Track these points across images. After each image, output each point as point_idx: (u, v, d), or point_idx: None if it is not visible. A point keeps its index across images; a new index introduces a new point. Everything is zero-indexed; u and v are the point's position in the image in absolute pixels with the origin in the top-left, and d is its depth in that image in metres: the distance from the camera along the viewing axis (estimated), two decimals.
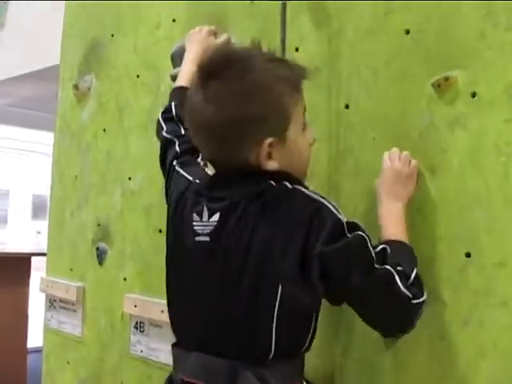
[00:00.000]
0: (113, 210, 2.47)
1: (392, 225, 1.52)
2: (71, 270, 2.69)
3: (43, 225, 6.39)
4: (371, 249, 1.31)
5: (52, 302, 2.77)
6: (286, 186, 1.34)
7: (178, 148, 1.64)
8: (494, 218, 1.48)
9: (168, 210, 1.53)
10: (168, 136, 1.69)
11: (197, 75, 1.38)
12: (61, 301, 2.71)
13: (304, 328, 1.36)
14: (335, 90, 1.81)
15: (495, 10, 1.53)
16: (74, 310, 2.64)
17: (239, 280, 1.29)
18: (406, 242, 1.48)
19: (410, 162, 1.59)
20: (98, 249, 2.52)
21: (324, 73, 1.82)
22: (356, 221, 1.34)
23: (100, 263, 2.52)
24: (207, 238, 1.34)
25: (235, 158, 1.35)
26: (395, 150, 1.61)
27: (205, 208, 1.37)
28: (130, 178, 2.40)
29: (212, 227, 1.34)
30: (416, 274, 1.36)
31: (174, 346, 1.45)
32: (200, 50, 1.80)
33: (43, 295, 2.84)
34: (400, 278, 1.30)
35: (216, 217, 1.34)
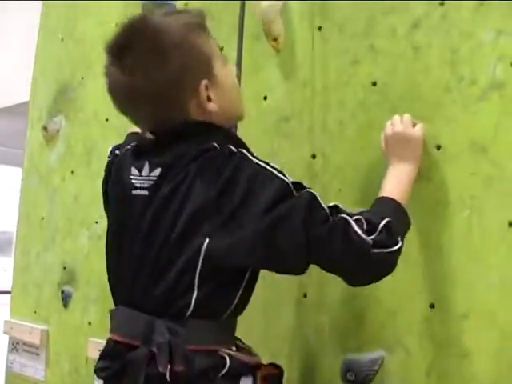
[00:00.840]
0: (79, 254, 2.45)
1: (388, 183, 1.49)
2: (35, 312, 2.66)
3: (9, 261, 6.30)
4: (321, 203, 1.29)
5: (15, 345, 2.73)
6: (230, 149, 1.32)
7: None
8: (458, 271, 1.50)
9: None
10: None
11: (108, 52, 1.39)
12: (24, 344, 2.67)
13: (230, 288, 1.33)
14: (302, 139, 1.83)
15: (460, 64, 1.57)
16: (38, 354, 2.60)
17: (168, 233, 1.29)
18: (397, 199, 1.42)
19: (413, 124, 1.57)
20: (63, 292, 2.50)
21: (291, 122, 1.85)
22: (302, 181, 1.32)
23: (65, 306, 2.50)
24: (146, 192, 1.34)
25: (176, 115, 1.36)
26: (397, 116, 1.58)
27: (146, 163, 1.36)
28: (96, 222, 2.39)
29: (152, 182, 1.34)
30: (386, 223, 1.29)
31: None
32: None
33: (6, 337, 2.79)
34: (359, 225, 1.26)
35: (157, 172, 1.34)
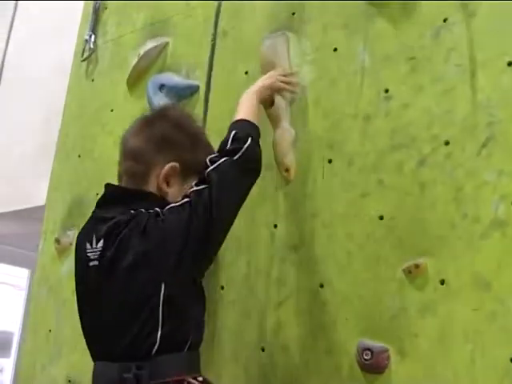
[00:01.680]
0: (85, 367, 2.45)
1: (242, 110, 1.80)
2: None
3: (6, 363, 6.21)
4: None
5: None
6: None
7: None
8: None
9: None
10: None
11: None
12: None
13: (185, 321, 1.50)
14: (310, 269, 1.88)
15: (464, 201, 1.64)
16: None
17: (123, 291, 1.49)
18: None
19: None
20: None
21: (300, 251, 1.90)
22: None
23: None
24: (96, 263, 1.53)
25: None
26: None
27: (93, 235, 1.56)
28: None
29: (98, 252, 1.53)
30: (233, 136, 1.66)
31: None
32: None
33: None
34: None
35: (101, 243, 1.54)
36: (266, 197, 2.02)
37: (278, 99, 1.99)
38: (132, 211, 1.56)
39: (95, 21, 2.86)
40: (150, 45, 2.51)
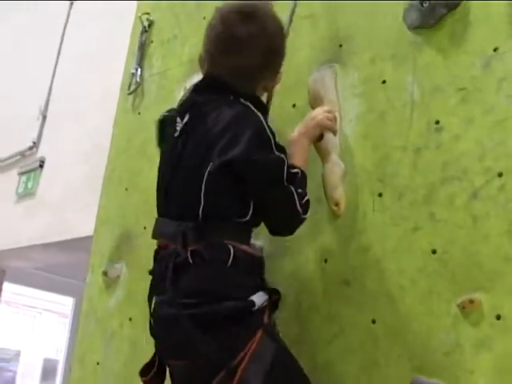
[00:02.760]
0: None
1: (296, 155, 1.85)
2: None
3: None
4: (286, 169, 1.70)
5: None
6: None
7: None
8: None
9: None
10: None
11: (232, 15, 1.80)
12: None
13: (230, 199, 1.71)
14: (362, 304, 1.86)
15: None
16: None
17: (187, 162, 1.73)
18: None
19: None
20: None
21: (352, 286, 1.88)
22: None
23: None
24: (178, 133, 1.79)
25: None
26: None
27: (183, 111, 1.82)
28: None
29: (181, 125, 1.79)
30: (308, 197, 1.76)
31: None
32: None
33: None
34: (298, 198, 1.71)
35: (186, 118, 1.79)
36: (316, 231, 2.00)
37: (326, 132, 1.98)
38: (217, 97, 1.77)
39: (141, 54, 2.90)
40: (196, 78, 2.52)
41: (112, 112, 3.18)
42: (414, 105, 1.91)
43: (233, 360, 1.57)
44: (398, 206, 1.86)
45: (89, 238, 3.06)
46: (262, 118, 1.71)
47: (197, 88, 1.84)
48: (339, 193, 1.95)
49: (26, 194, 3.98)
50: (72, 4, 4.38)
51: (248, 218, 1.72)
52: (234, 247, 1.68)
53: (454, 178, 1.77)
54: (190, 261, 1.66)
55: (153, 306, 1.74)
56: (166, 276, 1.66)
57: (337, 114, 2.01)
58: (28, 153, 4.14)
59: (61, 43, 4.33)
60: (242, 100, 1.75)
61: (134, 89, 2.88)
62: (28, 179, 4.03)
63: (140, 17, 2.97)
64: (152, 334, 1.77)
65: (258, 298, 1.67)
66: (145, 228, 2.59)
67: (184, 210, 1.72)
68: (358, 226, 1.93)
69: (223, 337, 1.60)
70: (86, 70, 3.91)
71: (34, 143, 4.11)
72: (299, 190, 1.72)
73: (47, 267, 5.51)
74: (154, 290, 1.76)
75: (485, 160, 1.73)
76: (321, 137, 1.97)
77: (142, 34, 2.95)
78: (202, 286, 1.65)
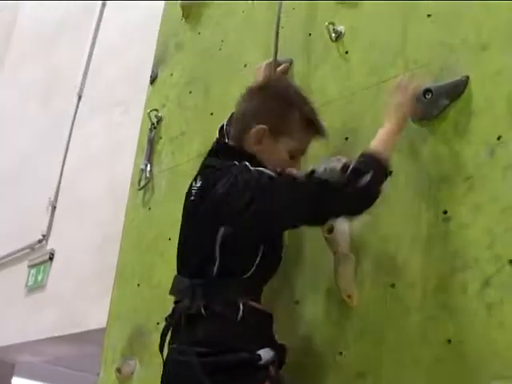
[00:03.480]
0: None
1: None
2: None
3: None
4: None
5: None
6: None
7: None
8: None
9: None
10: None
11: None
12: None
13: (247, 255, 1.85)
14: None
15: None
16: None
17: (200, 222, 1.89)
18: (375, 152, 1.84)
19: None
20: None
21: (367, 380, 1.87)
22: None
23: None
24: (193, 198, 1.94)
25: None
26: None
27: (198, 175, 1.98)
28: None
29: (196, 189, 1.93)
30: (353, 167, 1.79)
31: None
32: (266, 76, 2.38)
33: None
34: (327, 188, 1.80)
35: (199, 182, 1.94)
36: (329, 323, 2.00)
37: (337, 224, 2.00)
38: (229, 163, 1.89)
39: (150, 150, 2.95)
40: None
41: (121, 204, 3.21)
42: (422, 195, 1.93)
43: None
44: (411, 296, 1.86)
45: (100, 330, 3.05)
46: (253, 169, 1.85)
47: (210, 153, 2.08)
48: (351, 284, 1.96)
49: (35, 287, 3.98)
50: (80, 98, 4.48)
51: (252, 271, 1.85)
52: (243, 304, 1.80)
53: (465, 266, 1.77)
54: (204, 314, 1.78)
55: (167, 352, 1.89)
56: (180, 326, 1.82)
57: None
58: (37, 245, 4.16)
59: (69, 136, 4.41)
60: (244, 162, 1.88)
61: (144, 184, 2.92)
62: (37, 272, 4.04)
63: (149, 113, 3.03)
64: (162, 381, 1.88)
65: (265, 353, 1.77)
66: (158, 324, 2.58)
67: (196, 268, 1.87)
68: (371, 317, 1.92)
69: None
70: (94, 162, 3.97)
71: (44, 236, 4.14)
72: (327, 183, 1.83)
73: (57, 360, 5.45)
74: (166, 338, 1.93)
75: (494, 248, 1.73)
76: (331, 229, 1.99)
77: (150, 130, 3.01)
78: (213, 337, 1.77)
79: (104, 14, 4.74)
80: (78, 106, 4.51)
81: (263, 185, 1.78)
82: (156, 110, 3.07)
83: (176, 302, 1.91)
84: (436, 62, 2.05)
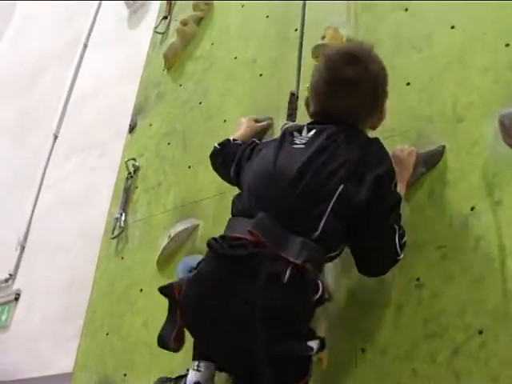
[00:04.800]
0: None
1: None
2: None
3: None
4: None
5: None
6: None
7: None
8: None
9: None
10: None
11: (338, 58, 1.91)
12: None
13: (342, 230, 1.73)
14: None
15: None
16: None
17: (315, 175, 1.73)
18: None
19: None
20: None
21: None
22: None
23: None
24: (303, 146, 1.82)
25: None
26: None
27: (305, 128, 1.89)
28: None
29: (308, 138, 1.84)
30: (405, 239, 1.80)
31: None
32: (247, 129, 2.39)
33: None
34: (399, 237, 1.76)
35: (312, 132, 1.86)
36: None
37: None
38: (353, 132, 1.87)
39: (126, 199, 2.95)
40: (180, 227, 2.57)
41: (91, 248, 3.20)
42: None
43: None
44: (381, 361, 1.86)
45: (65, 375, 3.00)
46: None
47: (316, 121, 1.94)
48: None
49: None
50: (56, 138, 4.49)
51: (338, 252, 1.80)
52: (321, 284, 1.69)
53: (435, 334, 1.79)
54: (285, 279, 1.60)
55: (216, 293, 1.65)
56: (256, 278, 1.59)
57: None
58: (3, 285, 4.10)
59: (43, 176, 4.39)
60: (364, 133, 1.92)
61: (118, 234, 2.91)
62: (2, 312, 3.98)
63: (126, 162, 3.04)
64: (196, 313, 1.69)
65: (315, 345, 1.67)
66: (125, 375, 2.55)
67: (297, 221, 1.71)
68: (340, 381, 1.92)
69: (280, 367, 1.59)
70: (66, 204, 3.96)
71: (11, 275, 4.09)
72: (401, 231, 1.78)
73: None
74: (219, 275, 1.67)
75: (465, 317, 1.76)
76: None
77: (127, 179, 3.01)
78: (286, 307, 1.61)
79: (84, 57, 4.78)
80: (53, 146, 4.51)
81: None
82: (134, 159, 3.08)
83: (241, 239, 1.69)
84: (414, 131, 2.10)
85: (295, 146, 1.84)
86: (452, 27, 2.20)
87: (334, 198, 1.70)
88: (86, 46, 4.82)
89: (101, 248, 3.03)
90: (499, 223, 1.80)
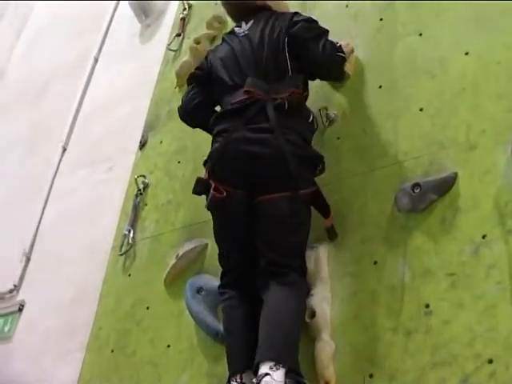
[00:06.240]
0: None
1: None
2: None
3: None
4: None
5: None
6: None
7: None
8: None
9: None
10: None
11: None
12: None
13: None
14: None
15: None
16: None
17: (269, 40, 2.31)
18: None
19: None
20: None
21: None
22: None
23: None
24: (247, 31, 2.41)
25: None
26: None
27: (243, 23, 2.46)
28: None
29: (250, 25, 2.43)
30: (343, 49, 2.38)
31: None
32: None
33: None
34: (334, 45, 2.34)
35: (250, 23, 2.44)
36: None
37: (318, 310, 2.01)
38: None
39: (135, 216, 2.94)
40: (188, 246, 2.57)
41: (96, 262, 3.19)
42: (404, 287, 1.95)
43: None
44: None
45: None
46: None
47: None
48: (329, 372, 1.96)
49: (1, 338, 3.89)
50: (65, 150, 4.49)
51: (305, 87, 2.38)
52: (312, 112, 2.32)
53: (444, 362, 1.78)
54: (285, 106, 2.16)
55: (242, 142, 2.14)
56: (266, 115, 2.14)
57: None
58: (8, 295, 4.09)
59: (50, 188, 4.39)
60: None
61: (126, 250, 2.90)
62: (5, 322, 3.96)
63: (136, 179, 3.04)
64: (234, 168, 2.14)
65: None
66: None
67: (274, 72, 2.26)
68: None
69: (309, 175, 2.16)
70: (73, 217, 3.95)
71: (15, 286, 4.07)
72: (336, 44, 2.35)
73: None
74: (235, 129, 2.17)
75: (475, 346, 1.75)
76: (313, 314, 2.00)
77: (136, 196, 3.01)
78: (299, 129, 2.16)
79: (95, 71, 4.79)
80: (61, 159, 4.50)
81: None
82: (143, 176, 3.08)
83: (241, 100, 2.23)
84: (426, 156, 2.10)
85: (243, 33, 2.42)
86: (466, 53, 2.20)
87: (286, 47, 2.27)
88: (96, 59, 4.81)
89: (108, 264, 3.02)
90: (511, 252, 1.79)
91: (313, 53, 2.28)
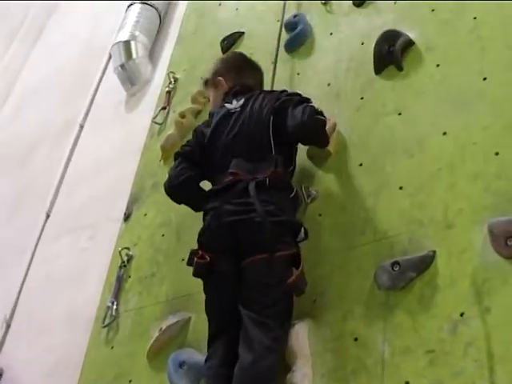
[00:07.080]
0: None
1: None
2: None
3: None
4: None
5: None
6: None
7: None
8: None
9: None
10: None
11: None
12: None
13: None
14: None
15: None
16: None
17: (256, 120, 2.49)
18: None
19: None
20: None
21: None
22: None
23: None
24: (239, 109, 2.57)
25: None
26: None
27: (233, 100, 2.63)
28: None
29: (241, 103, 2.58)
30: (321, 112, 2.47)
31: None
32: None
33: None
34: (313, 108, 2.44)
35: (242, 100, 2.60)
36: None
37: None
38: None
39: (118, 288, 2.95)
40: (172, 319, 2.58)
41: (77, 332, 3.17)
42: (384, 364, 1.97)
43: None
44: None
45: None
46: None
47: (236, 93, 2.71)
48: None
49: None
50: (48, 217, 4.49)
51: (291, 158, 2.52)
52: (296, 188, 2.41)
53: None
54: (267, 185, 2.30)
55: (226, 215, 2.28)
56: (248, 192, 2.27)
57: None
58: None
59: (32, 254, 4.38)
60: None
61: (109, 322, 2.90)
62: None
63: (120, 251, 3.06)
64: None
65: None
66: None
67: (258, 154, 2.41)
68: None
69: (288, 239, 2.23)
70: (55, 285, 3.93)
71: None
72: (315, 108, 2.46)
73: None
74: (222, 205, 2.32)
75: None
76: None
77: (120, 268, 3.03)
78: (278, 202, 2.27)
79: (80, 137, 4.84)
80: (44, 225, 4.51)
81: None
82: (127, 248, 3.10)
83: (226, 183, 2.37)
84: (405, 234, 2.15)
85: (234, 110, 2.58)
86: (444, 133, 2.27)
87: (271, 126, 2.44)
88: (82, 126, 4.87)
89: (90, 335, 3.02)
90: (488, 330, 1.82)
91: (292, 114, 2.41)
